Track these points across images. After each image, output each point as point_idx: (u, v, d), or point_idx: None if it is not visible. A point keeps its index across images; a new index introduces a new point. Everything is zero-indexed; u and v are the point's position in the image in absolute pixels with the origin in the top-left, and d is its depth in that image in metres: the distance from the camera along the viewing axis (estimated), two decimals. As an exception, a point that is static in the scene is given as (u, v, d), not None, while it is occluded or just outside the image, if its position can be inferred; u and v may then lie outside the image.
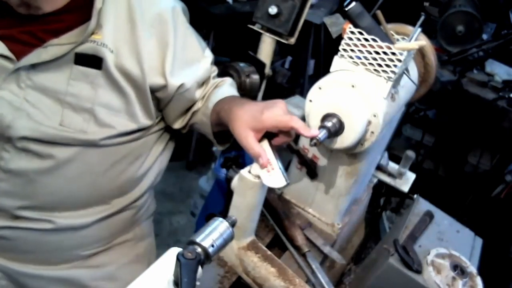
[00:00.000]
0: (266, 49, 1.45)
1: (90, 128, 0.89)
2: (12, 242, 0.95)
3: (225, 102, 0.96)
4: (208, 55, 1.05)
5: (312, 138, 0.83)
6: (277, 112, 0.82)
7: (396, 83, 0.92)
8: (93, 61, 0.87)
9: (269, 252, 0.94)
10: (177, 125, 1.05)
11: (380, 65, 0.88)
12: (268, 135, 0.85)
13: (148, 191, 1.11)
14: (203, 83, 1.03)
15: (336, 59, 0.93)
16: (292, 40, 1.39)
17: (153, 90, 0.94)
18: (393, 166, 1.45)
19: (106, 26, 0.88)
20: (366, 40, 0.87)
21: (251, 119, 0.83)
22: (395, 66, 0.86)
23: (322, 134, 0.85)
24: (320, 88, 0.93)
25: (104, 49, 0.87)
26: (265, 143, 0.85)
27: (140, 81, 0.90)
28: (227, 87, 1.04)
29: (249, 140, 0.82)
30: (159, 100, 0.97)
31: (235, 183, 0.90)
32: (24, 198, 0.92)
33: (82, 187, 0.95)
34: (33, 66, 0.86)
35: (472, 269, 1.00)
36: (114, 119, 0.91)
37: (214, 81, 1.05)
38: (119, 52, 0.88)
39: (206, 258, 0.61)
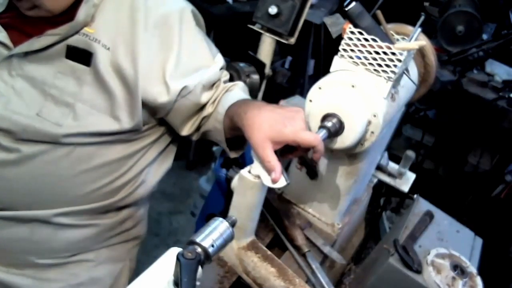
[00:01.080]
0: (266, 49, 1.45)
1: (67, 122, 0.86)
2: None
3: (237, 106, 0.90)
4: (219, 61, 1.00)
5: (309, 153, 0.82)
6: (299, 126, 0.78)
7: (396, 83, 0.92)
8: (83, 56, 0.86)
9: (269, 252, 0.94)
10: (185, 131, 1.00)
11: (380, 65, 0.88)
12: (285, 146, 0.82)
13: (127, 210, 1.05)
14: (212, 85, 0.99)
15: (336, 59, 0.93)
16: (292, 40, 1.39)
17: (147, 96, 0.90)
18: (393, 166, 1.44)
19: (103, 21, 0.87)
20: (366, 40, 0.87)
21: (271, 130, 0.77)
22: (395, 66, 0.86)
23: (322, 134, 0.85)
24: (320, 88, 0.93)
25: (95, 44, 0.86)
26: None
27: (132, 82, 0.88)
28: (238, 91, 1.00)
29: (267, 152, 0.76)
30: (158, 108, 0.93)
31: (235, 183, 0.90)
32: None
33: (44, 189, 0.91)
34: (26, 55, 0.87)
35: (472, 269, 1.00)
36: (94, 118, 0.88)
37: (225, 85, 1.01)
38: (116, 49, 0.87)
39: (206, 258, 0.61)
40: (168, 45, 0.91)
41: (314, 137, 0.78)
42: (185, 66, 0.93)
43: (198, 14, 1.00)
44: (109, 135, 0.91)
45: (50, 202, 0.93)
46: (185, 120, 0.99)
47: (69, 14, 0.88)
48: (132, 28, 0.88)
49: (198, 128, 1.02)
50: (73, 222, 0.97)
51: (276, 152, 0.78)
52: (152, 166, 1.06)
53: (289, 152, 0.83)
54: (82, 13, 0.85)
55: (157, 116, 0.98)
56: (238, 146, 1.03)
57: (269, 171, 0.78)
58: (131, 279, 0.94)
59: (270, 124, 0.78)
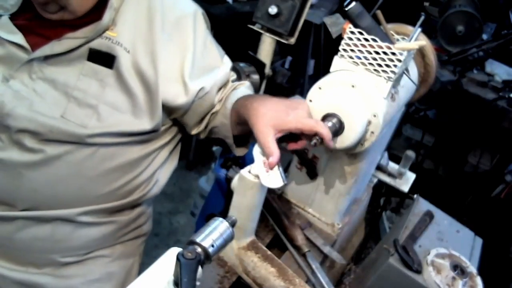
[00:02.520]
0: (266, 49, 1.45)
1: (92, 123, 0.88)
2: (2, 235, 0.93)
3: (244, 99, 0.94)
4: (227, 62, 1.04)
5: (312, 138, 0.83)
6: (301, 115, 0.82)
7: (396, 83, 0.92)
8: (106, 59, 0.88)
9: (269, 252, 0.94)
10: (195, 130, 1.03)
11: (380, 65, 0.88)
12: (289, 136, 0.85)
13: (140, 208, 1.08)
14: (221, 87, 1.02)
15: (336, 59, 0.93)
16: (292, 40, 1.39)
17: (167, 97, 0.92)
18: (393, 166, 1.44)
19: (123, 24, 0.88)
20: (366, 40, 0.87)
21: (275, 118, 0.81)
22: (395, 66, 0.86)
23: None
24: (320, 88, 0.93)
25: (118, 47, 0.88)
26: None
27: (153, 83, 0.90)
28: (245, 89, 1.04)
29: (269, 138, 0.80)
30: (176, 108, 0.95)
31: (235, 183, 0.90)
32: (6, 191, 0.90)
33: (68, 189, 0.93)
34: (46, 58, 0.87)
35: (472, 269, 1.00)
36: (117, 118, 0.90)
37: (233, 84, 1.04)
38: (136, 51, 0.89)
39: (206, 258, 0.61)
40: (185, 46, 0.93)
41: (315, 122, 0.81)
42: (201, 66, 0.96)
43: (206, 16, 1.03)
44: (130, 135, 0.93)
45: (74, 201, 0.95)
46: (199, 121, 1.02)
47: (88, 17, 0.89)
48: (151, 29, 0.90)
49: (206, 126, 1.04)
50: (93, 220, 0.99)
51: (280, 144, 0.81)
52: (164, 165, 1.08)
53: (293, 141, 0.86)
54: (106, 17, 0.86)
55: (173, 116, 1.00)
56: (243, 143, 1.05)
57: (267, 155, 0.81)
58: (139, 273, 0.95)
59: (273, 112, 0.82)
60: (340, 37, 0.91)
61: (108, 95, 0.89)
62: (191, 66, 0.93)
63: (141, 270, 0.61)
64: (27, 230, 0.94)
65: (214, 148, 2.17)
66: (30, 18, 0.90)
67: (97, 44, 0.88)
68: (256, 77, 1.32)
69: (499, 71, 2.37)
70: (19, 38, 0.88)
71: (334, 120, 0.88)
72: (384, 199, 1.94)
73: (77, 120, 0.87)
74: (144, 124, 0.93)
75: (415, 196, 1.27)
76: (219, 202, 1.68)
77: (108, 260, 1.08)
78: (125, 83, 0.89)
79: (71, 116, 0.87)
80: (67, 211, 0.95)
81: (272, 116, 0.82)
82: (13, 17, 0.90)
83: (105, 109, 0.89)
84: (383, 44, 0.86)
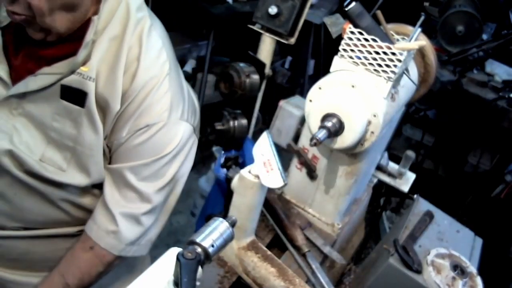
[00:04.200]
0: (266, 49, 1.45)
1: (69, 170, 0.86)
2: (1, 250, 0.95)
3: None
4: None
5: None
6: None
7: (396, 83, 0.92)
8: (77, 96, 0.84)
9: (269, 252, 0.94)
10: None
11: (380, 65, 0.88)
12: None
13: None
14: None
15: (336, 59, 0.93)
16: (292, 40, 1.39)
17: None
18: (393, 166, 1.44)
19: (95, 57, 0.84)
20: (366, 40, 0.87)
21: None
22: (395, 66, 0.86)
23: (322, 134, 0.85)
24: (320, 88, 0.93)
25: (89, 82, 0.83)
26: (266, 141, 0.85)
27: (108, 121, 0.85)
28: None
29: None
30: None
31: (235, 183, 0.90)
32: (11, 217, 0.91)
33: (61, 214, 0.94)
34: (24, 95, 0.85)
35: (472, 269, 1.00)
36: (93, 160, 0.87)
37: None
38: (98, 80, 0.84)
39: (206, 258, 0.61)
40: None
41: None
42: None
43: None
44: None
45: (69, 221, 0.96)
46: None
47: (72, 40, 0.85)
48: (115, 64, 0.84)
49: None
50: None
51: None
52: None
53: None
54: (82, 54, 0.82)
55: None
56: None
57: None
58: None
59: None
60: (340, 37, 0.91)
61: (84, 135, 0.85)
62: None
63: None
64: (40, 240, 0.96)
65: (214, 148, 2.17)
66: (17, 50, 0.87)
67: (69, 80, 0.83)
68: (256, 77, 1.32)
69: (499, 71, 2.37)
70: (2, 70, 0.85)
71: (334, 120, 0.88)
72: (384, 199, 1.94)
73: (55, 164, 0.86)
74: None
75: (415, 196, 1.27)
76: (219, 202, 1.68)
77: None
78: (94, 121, 0.84)
79: (49, 159, 0.85)
80: (65, 229, 0.96)
81: None
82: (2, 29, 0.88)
83: (82, 151, 0.86)
84: (383, 44, 0.86)
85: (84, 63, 0.83)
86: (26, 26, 0.83)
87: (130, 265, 1.11)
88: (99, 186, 0.92)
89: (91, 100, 0.83)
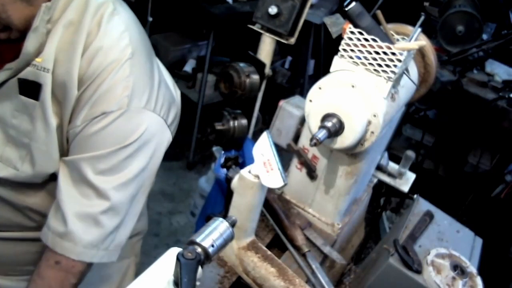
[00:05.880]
0: (266, 49, 1.45)
1: (24, 168, 0.83)
2: None
3: None
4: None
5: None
6: None
7: (396, 83, 0.92)
8: (33, 89, 0.80)
9: (269, 252, 0.94)
10: None
11: (380, 65, 0.88)
12: None
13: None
14: None
15: (336, 59, 0.93)
16: (292, 40, 1.39)
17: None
18: (393, 166, 1.44)
19: (49, 47, 0.80)
20: (366, 40, 0.87)
21: None
22: (395, 66, 0.86)
23: (322, 134, 0.85)
24: (320, 88, 0.93)
25: (43, 73, 0.79)
26: (266, 141, 0.85)
27: (67, 110, 0.81)
28: None
29: None
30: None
31: (235, 183, 0.90)
32: None
33: (15, 219, 0.92)
34: None
35: (472, 269, 1.00)
36: (49, 159, 0.83)
37: None
38: (56, 70, 0.80)
39: (206, 258, 0.61)
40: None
41: None
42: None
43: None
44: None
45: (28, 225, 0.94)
46: None
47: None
48: (73, 56, 0.80)
49: None
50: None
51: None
52: None
53: None
54: (29, 44, 0.78)
55: None
56: None
57: None
58: (137, 273, 0.93)
59: None
60: (340, 37, 0.91)
61: (38, 130, 0.81)
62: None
63: (141, 270, 0.60)
64: (13, 247, 0.95)
65: (214, 148, 2.17)
66: None
67: (24, 73, 0.80)
68: (256, 77, 1.31)
69: (499, 71, 2.37)
70: None
71: (334, 120, 0.88)
72: (384, 199, 1.94)
73: (11, 163, 0.83)
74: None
75: (415, 196, 1.27)
76: (219, 202, 1.68)
77: (101, 264, 1.03)
78: (47, 114, 0.81)
79: (6, 159, 0.83)
80: (32, 234, 0.94)
81: None
82: None
83: (36, 147, 0.82)
84: (383, 44, 0.86)
85: (37, 54, 0.79)
86: None
87: (105, 277, 1.07)
88: (51, 187, 0.87)
89: (46, 92, 0.79)
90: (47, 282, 0.86)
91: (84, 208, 0.82)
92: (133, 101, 0.80)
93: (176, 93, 0.97)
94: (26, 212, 0.92)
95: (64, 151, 0.85)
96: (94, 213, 0.82)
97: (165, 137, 0.89)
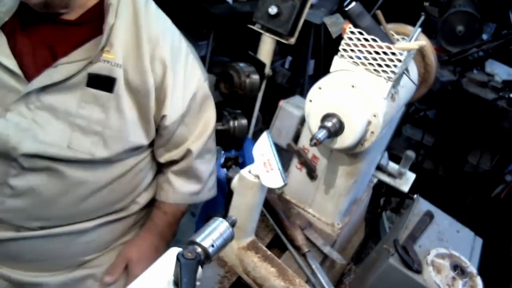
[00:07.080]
0: (266, 49, 1.46)
1: (98, 152, 0.89)
2: (16, 252, 0.95)
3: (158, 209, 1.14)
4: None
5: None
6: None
7: (396, 83, 0.92)
8: (106, 83, 0.87)
9: (269, 252, 0.94)
10: (162, 159, 1.07)
11: (380, 65, 0.88)
12: None
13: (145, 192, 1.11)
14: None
15: (336, 59, 0.93)
16: (292, 40, 1.39)
17: (158, 110, 0.95)
18: (393, 166, 1.44)
19: (117, 43, 0.88)
20: (366, 40, 0.87)
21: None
22: (395, 66, 0.86)
23: (322, 134, 0.85)
24: (320, 88, 0.93)
25: (117, 69, 0.88)
26: (266, 141, 0.85)
27: (145, 98, 0.91)
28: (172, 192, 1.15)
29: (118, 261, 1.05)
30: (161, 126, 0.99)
31: (235, 183, 0.90)
32: (34, 215, 0.92)
33: (90, 203, 0.96)
34: (43, 88, 0.85)
35: (472, 269, 1.00)
36: (122, 141, 0.92)
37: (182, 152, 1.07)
38: (127, 68, 0.89)
39: (206, 258, 0.61)
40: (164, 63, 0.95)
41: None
42: (178, 93, 0.99)
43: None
44: (137, 149, 0.97)
45: (97, 212, 0.99)
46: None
47: (76, 27, 0.88)
48: (138, 46, 0.90)
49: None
50: (115, 218, 1.04)
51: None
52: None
53: None
54: (105, 38, 0.86)
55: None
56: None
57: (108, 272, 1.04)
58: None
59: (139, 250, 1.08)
60: (340, 37, 0.91)
61: (111, 119, 0.89)
62: (172, 89, 0.95)
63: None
64: (54, 240, 0.97)
65: (214, 148, 2.17)
66: (30, 37, 0.88)
67: (97, 68, 0.86)
68: (256, 77, 1.32)
69: (499, 71, 2.37)
70: (13, 64, 0.85)
71: (334, 120, 0.88)
72: (384, 199, 1.94)
73: (84, 149, 0.88)
74: (142, 140, 0.96)
75: (415, 196, 1.27)
76: (219, 202, 1.68)
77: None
78: (125, 103, 0.90)
79: (77, 146, 0.88)
80: (83, 225, 0.98)
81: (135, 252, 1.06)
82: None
83: (110, 134, 0.89)
84: (383, 44, 0.86)
85: (103, 47, 0.86)
86: (46, 9, 0.84)
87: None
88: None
89: (120, 85, 0.88)
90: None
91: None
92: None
93: None
94: (109, 190, 0.98)
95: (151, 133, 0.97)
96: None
97: None
